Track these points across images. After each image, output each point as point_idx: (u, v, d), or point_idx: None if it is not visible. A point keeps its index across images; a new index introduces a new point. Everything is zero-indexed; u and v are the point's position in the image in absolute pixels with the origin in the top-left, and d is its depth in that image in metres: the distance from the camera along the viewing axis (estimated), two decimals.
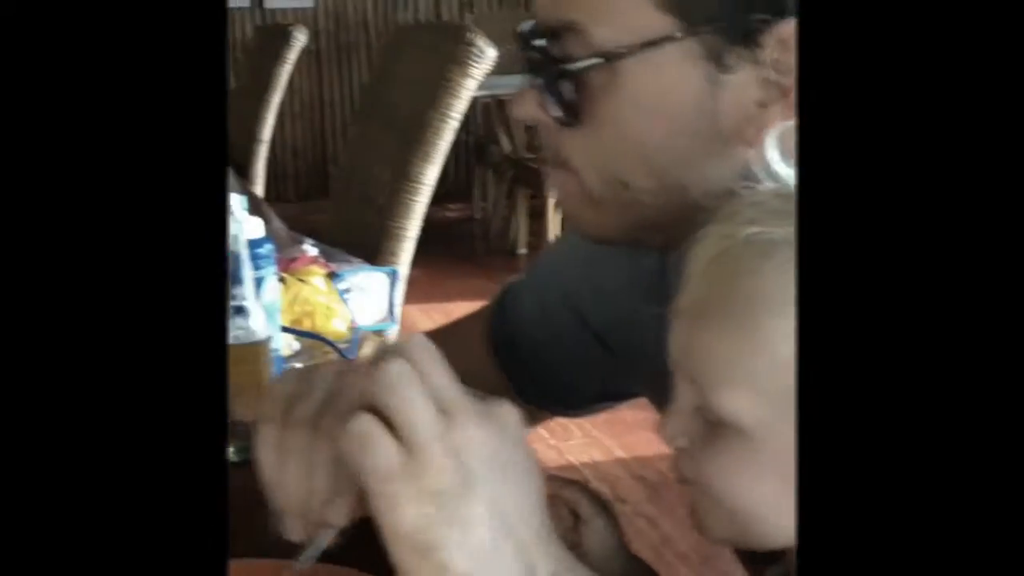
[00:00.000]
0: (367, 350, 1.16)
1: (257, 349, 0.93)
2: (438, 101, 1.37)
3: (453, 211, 4.79)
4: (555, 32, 0.57)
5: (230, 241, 0.92)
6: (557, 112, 0.58)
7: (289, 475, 0.54)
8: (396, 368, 0.48)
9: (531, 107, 0.60)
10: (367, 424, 0.48)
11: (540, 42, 0.58)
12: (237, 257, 0.92)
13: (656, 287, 0.67)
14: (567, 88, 0.57)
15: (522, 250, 4.41)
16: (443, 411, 0.48)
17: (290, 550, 0.60)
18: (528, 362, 0.81)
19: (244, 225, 0.93)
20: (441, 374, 0.49)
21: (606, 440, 2.59)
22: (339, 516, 0.53)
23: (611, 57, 0.56)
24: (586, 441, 2.56)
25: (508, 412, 0.49)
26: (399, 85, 1.56)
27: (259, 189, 2.48)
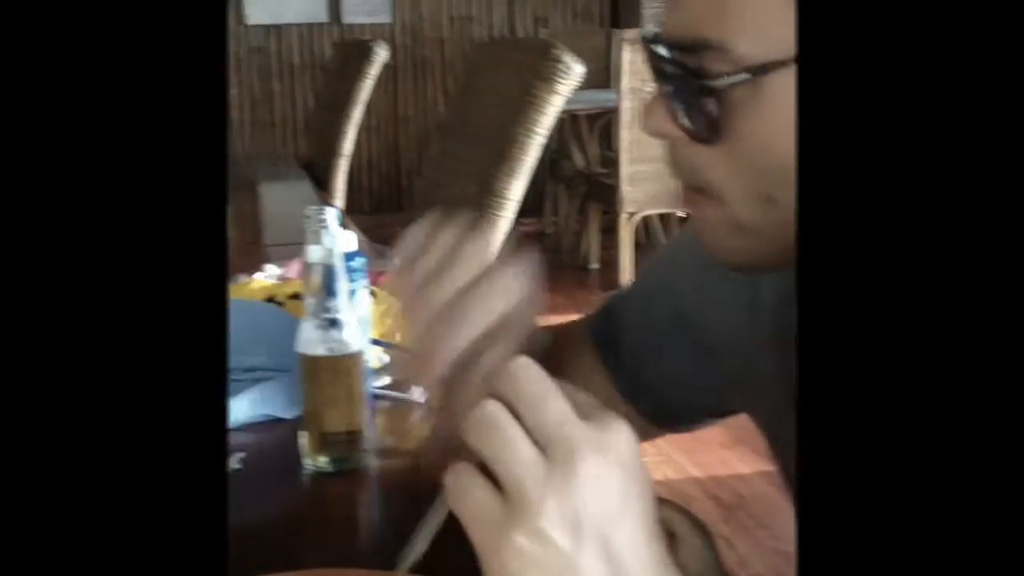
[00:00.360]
0: None
1: (350, 361, 0.94)
2: (524, 117, 1.37)
3: (525, 225, 4.80)
4: (689, 47, 0.54)
5: (325, 254, 0.93)
6: (693, 127, 0.56)
7: (407, 315, 0.56)
8: (489, 410, 0.46)
9: (662, 121, 0.57)
10: (463, 475, 0.46)
11: (671, 53, 0.55)
12: (332, 270, 0.93)
13: (775, 309, 0.67)
14: (707, 103, 0.54)
15: (594, 265, 4.40)
16: (547, 448, 0.45)
17: (387, 560, 0.61)
18: (634, 374, 0.80)
19: (339, 238, 0.95)
20: (544, 402, 0.46)
21: (680, 458, 2.57)
22: (427, 376, 0.55)
23: (759, 72, 0.53)
24: (660, 459, 2.54)
25: (621, 434, 0.46)
26: (484, 101, 1.57)
27: (339, 203, 2.51)
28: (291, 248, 1.69)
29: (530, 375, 0.46)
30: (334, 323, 0.94)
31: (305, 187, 2.57)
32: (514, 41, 3.80)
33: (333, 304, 0.94)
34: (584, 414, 0.46)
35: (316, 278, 0.94)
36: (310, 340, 0.93)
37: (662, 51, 0.55)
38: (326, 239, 0.94)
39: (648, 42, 0.56)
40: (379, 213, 4.76)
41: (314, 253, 0.94)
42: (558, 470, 0.44)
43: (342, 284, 0.94)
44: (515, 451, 0.44)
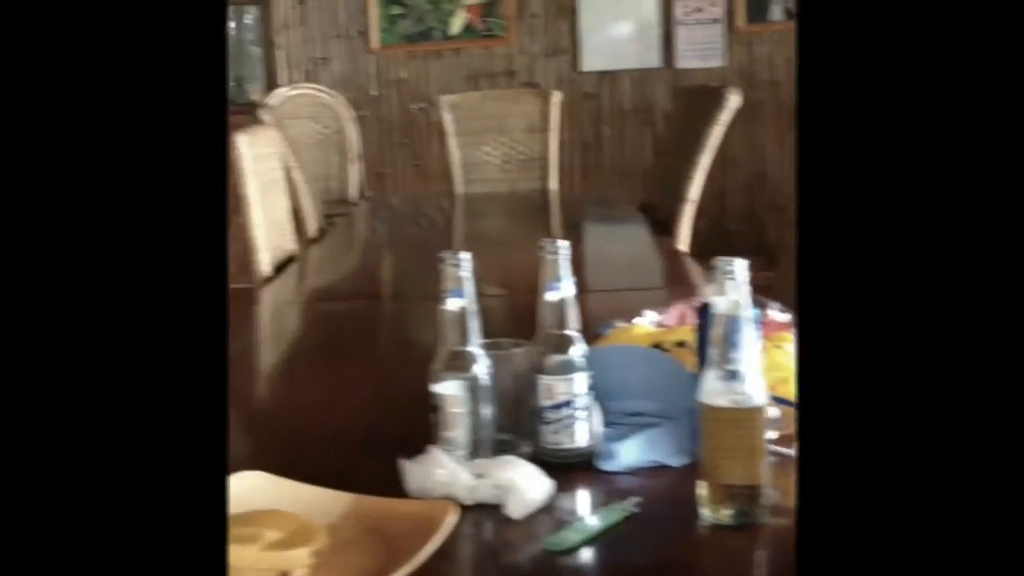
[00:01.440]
0: None
1: (753, 414, 0.93)
2: None
3: None
4: None
5: (731, 306, 0.93)
6: None
7: None
8: None
9: None
10: None
11: None
12: (737, 321, 0.93)
13: None
14: None
15: None
16: None
17: None
18: None
19: (743, 290, 0.94)
20: None
21: None
22: None
23: None
24: None
25: None
26: None
27: (683, 248, 2.52)
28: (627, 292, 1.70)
29: None
30: (735, 375, 0.93)
31: (639, 230, 2.59)
32: None
33: (736, 356, 0.93)
34: None
35: (719, 329, 0.94)
36: (712, 391, 0.93)
37: None
38: (732, 290, 0.94)
39: None
40: (701, 257, 4.72)
41: (719, 304, 0.94)
42: None
43: (747, 336, 0.93)
44: None
